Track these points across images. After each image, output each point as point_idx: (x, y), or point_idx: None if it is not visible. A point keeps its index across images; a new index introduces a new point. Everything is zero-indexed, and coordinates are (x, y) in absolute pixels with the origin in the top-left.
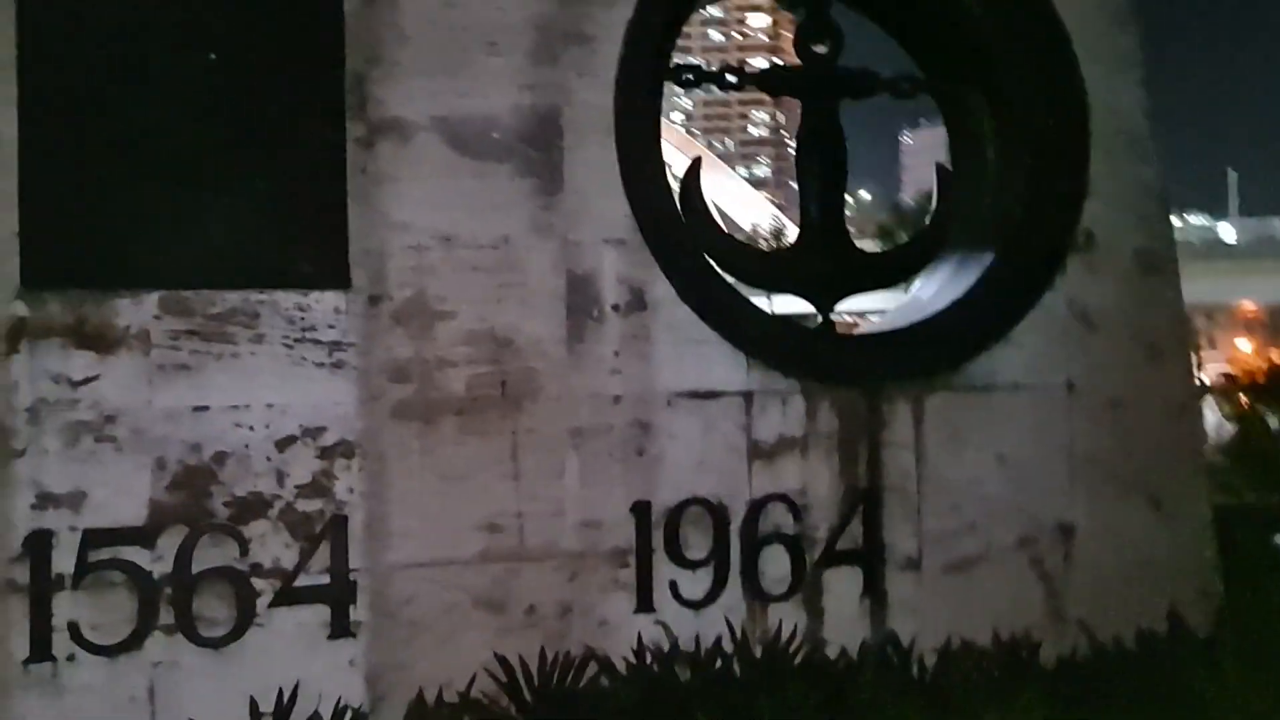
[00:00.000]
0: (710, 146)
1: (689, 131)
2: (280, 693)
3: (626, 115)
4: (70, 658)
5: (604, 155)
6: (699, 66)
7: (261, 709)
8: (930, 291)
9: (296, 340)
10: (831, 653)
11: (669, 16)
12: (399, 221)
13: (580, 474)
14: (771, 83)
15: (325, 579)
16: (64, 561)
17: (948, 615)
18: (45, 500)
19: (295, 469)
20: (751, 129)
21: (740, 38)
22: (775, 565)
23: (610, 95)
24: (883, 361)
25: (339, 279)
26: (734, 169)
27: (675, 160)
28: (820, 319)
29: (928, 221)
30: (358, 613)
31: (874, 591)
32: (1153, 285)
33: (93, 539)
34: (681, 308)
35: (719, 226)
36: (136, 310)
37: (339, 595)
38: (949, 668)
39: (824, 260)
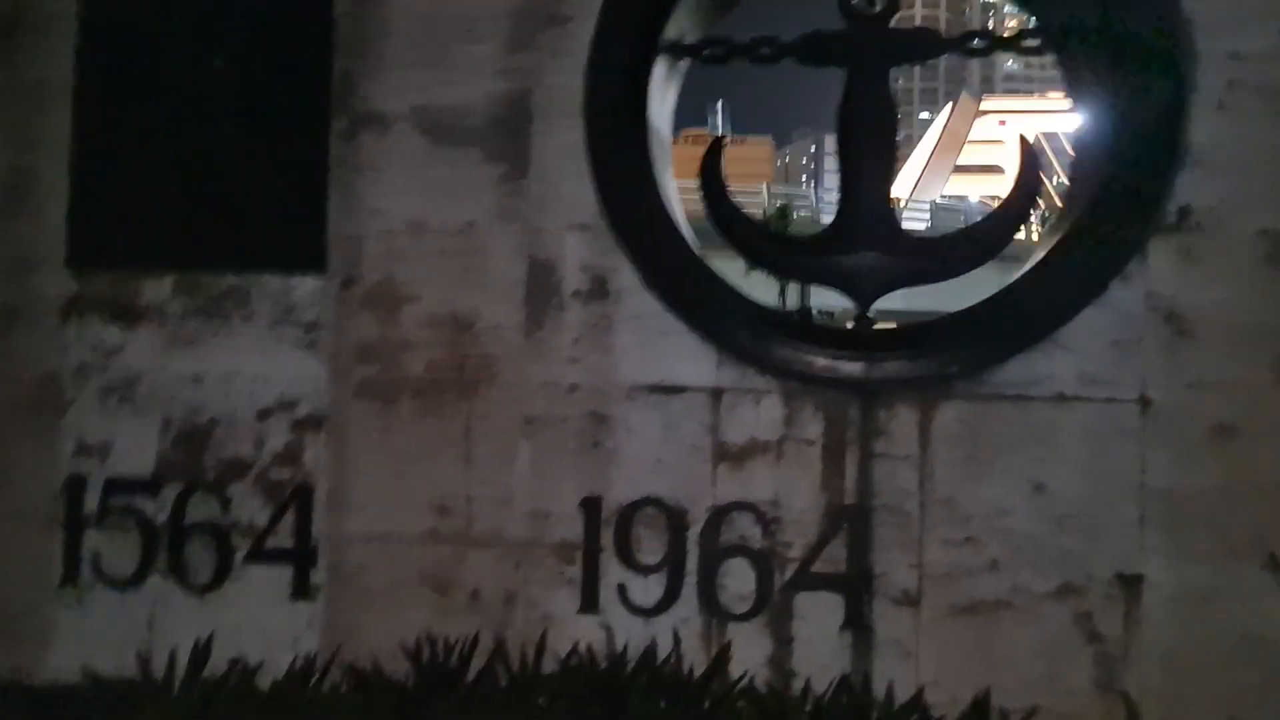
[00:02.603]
0: None
1: None
2: (197, 641)
3: (597, 96)
4: (92, 586)
5: (572, 139)
6: (721, 40)
7: (232, 655)
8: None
9: (279, 320)
10: (800, 686)
11: None
12: (374, 208)
13: (532, 463)
14: (811, 52)
15: (290, 542)
16: (91, 502)
17: (954, 666)
18: (82, 449)
19: (271, 438)
20: None
21: None
22: (738, 580)
23: (581, 77)
24: (884, 361)
25: (317, 264)
26: None
27: None
28: (858, 315)
29: (1004, 200)
30: (317, 576)
31: (857, 625)
32: None
33: (113, 486)
34: (646, 296)
35: (739, 210)
36: (155, 289)
37: (301, 558)
38: None
39: (865, 248)
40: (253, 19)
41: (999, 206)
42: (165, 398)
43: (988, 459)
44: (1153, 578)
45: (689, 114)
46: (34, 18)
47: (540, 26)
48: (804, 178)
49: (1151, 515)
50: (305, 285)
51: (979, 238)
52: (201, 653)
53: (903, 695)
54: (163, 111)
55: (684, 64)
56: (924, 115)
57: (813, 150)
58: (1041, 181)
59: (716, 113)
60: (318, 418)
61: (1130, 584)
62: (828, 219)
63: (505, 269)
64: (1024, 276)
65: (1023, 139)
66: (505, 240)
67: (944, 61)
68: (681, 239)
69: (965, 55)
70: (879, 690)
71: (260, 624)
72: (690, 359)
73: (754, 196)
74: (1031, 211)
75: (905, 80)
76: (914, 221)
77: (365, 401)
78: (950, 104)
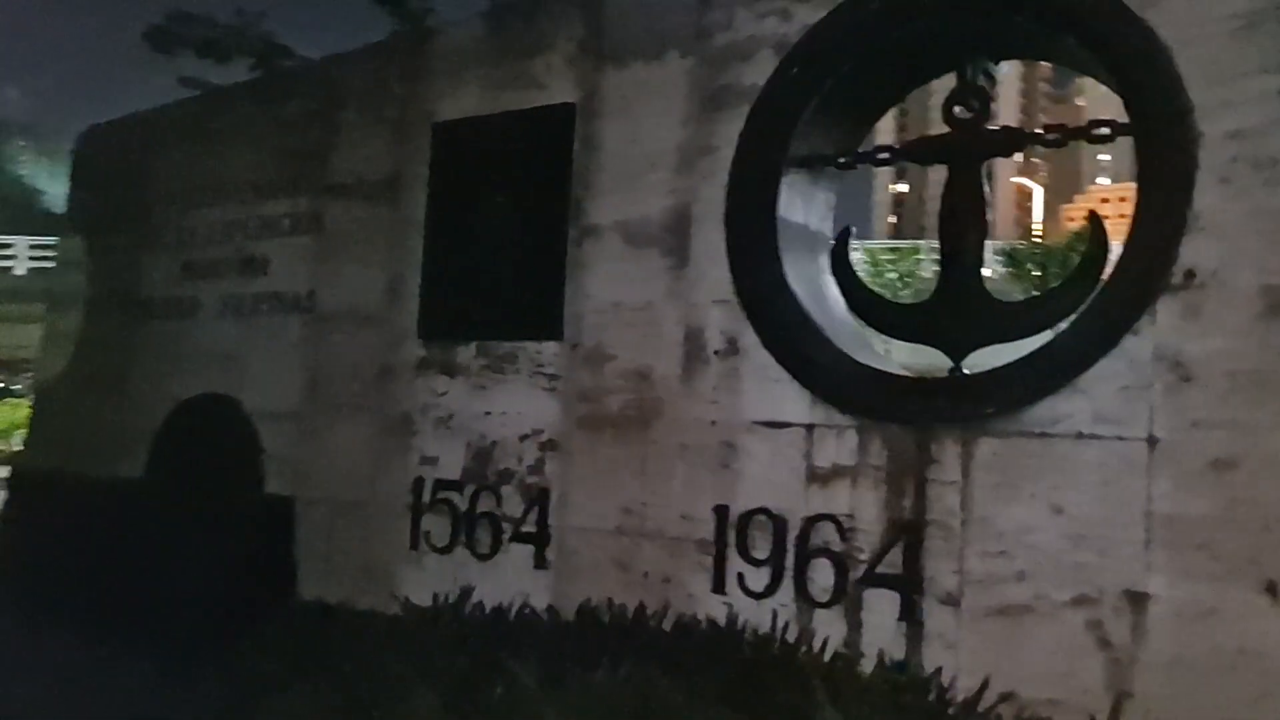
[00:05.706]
0: None
1: None
2: (464, 591)
3: (732, 205)
4: (426, 551)
5: (717, 237)
6: (846, 151)
7: (503, 607)
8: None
9: (534, 373)
10: (867, 665)
11: (781, 119)
12: (590, 294)
13: (684, 478)
14: (919, 153)
15: (534, 529)
16: (426, 496)
17: (988, 659)
18: (422, 460)
19: (527, 455)
20: None
21: None
22: (822, 576)
23: (723, 190)
24: (934, 404)
25: (557, 333)
26: None
27: None
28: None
29: (1076, 268)
30: (549, 554)
31: (910, 618)
32: None
33: (438, 485)
34: (764, 353)
35: (862, 284)
36: (465, 353)
37: (540, 541)
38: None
39: (959, 312)
40: (522, 167)
41: (1072, 273)
42: (468, 427)
43: (1016, 485)
44: (1157, 593)
45: None
46: (408, 177)
47: (697, 156)
48: None
49: (1156, 538)
50: (549, 349)
51: (1055, 303)
52: (462, 598)
53: (944, 680)
54: (467, 236)
55: (831, 170)
56: None
57: None
58: (1109, 252)
59: None
60: (554, 441)
61: (1137, 598)
62: None
63: (671, 334)
64: (1058, 333)
65: (1092, 214)
66: (671, 313)
67: None
68: (795, 307)
69: (1045, 146)
70: (928, 672)
71: (518, 584)
72: (792, 401)
73: None
74: (1100, 279)
75: None
76: None
77: (582, 431)
78: None
